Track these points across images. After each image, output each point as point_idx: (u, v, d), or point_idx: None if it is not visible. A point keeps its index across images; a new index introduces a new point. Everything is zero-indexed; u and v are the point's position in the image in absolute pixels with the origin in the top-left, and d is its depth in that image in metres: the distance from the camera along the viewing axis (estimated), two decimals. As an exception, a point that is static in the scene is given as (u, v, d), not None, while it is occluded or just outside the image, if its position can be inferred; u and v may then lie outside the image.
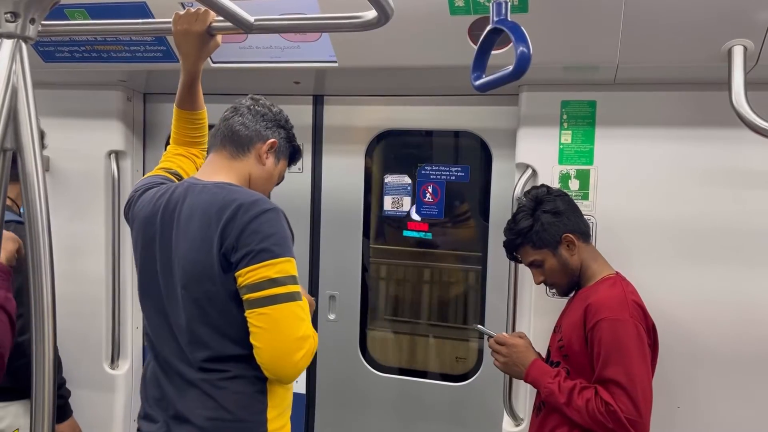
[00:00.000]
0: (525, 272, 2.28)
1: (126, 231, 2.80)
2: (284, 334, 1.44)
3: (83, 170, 2.77)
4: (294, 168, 2.73)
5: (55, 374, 1.00)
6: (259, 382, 1.55)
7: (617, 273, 1.94)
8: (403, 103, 2.62)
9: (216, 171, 1.64)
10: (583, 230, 1.96)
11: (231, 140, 1.65)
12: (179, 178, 1.80)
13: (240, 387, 1.53)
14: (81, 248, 2.69)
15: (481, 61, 1.27)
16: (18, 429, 2.22)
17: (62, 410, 2.32)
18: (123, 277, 2.79)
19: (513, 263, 2.27)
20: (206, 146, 1.90)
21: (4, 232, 2.08)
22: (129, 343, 2.85)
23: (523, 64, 1.09)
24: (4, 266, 1.76)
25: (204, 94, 1.81)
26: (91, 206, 2.76)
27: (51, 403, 0.99)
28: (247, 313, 1.46)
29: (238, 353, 1.52)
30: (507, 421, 2.35)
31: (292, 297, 1.46)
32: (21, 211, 2.39)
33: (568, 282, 1.96)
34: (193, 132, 1.88)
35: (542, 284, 2.03)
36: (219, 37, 1.71)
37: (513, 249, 2.01)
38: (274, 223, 1.48)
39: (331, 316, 2.76)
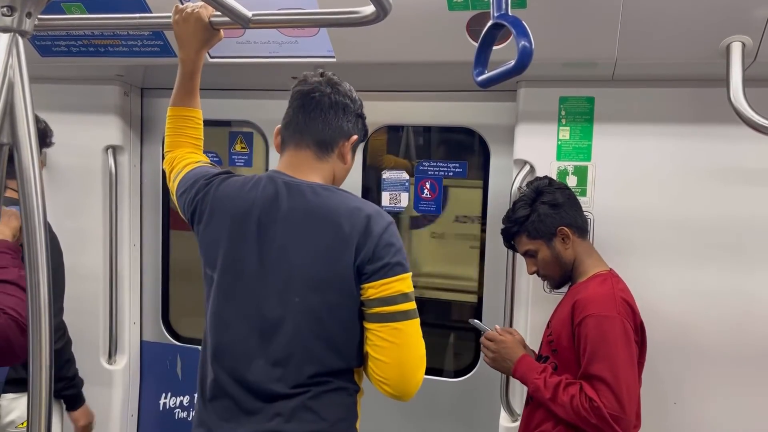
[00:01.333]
0: (522, 269, 2.28)
1: (123, 225, 2.81)
2: (414, 349, 1.41)
3: (80, 165, 2.76)
4: None
5: (51, 369, 1.00)
6: (355, 394, 1.52)
7: (610, 270, 1.95)
8: (401, 99, 2.61)
9: (305, 170, 1.52)
10: (579, 225, 1.97)
11: (314, 139, 1.53)
12: None
13: (341, 399, 1.48)
14: (78, 243, 2.68)
15: (482, 57, 1.27)
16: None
17: (76, 398, 2.35)
18: (120, 273, 2.79)
19: (510, 260, 2.28)
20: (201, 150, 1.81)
21: (5, 208, 2.08)
22: (126, 339, 2.85)
23: (525, 58, 1.09)
24: (13, 243, 1.75)
25: (201, 89, 1.80)
26: (88, 201, 2.76)
27: (47, 398, 0.99)
28: (375, 326, 1.40)
29: (343, 368, 1.47)
30: (503, 416, 2.36)
31: (417, 313, 1.43)
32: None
33: (560, 275, 1.98)
34: (195, 132, 1.78)
35: (535, 275, 2.04)
36: (222, 31, 1.70)
37: (509, 237, 2.03)
38: (398, 235, 1.45)
39: None
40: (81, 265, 2.72)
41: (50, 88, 2.73)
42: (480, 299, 2.60)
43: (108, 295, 2.75)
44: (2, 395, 2.20)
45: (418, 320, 1.42)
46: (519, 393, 2.32)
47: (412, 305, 1.41)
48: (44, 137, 2.33)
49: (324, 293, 1.41)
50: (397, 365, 1.39)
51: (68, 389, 2.30)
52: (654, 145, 2.15)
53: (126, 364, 2.85)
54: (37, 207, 1.01)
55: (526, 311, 2.30)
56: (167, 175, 1.77)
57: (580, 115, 2.21)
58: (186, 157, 1.74)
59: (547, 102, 2.24)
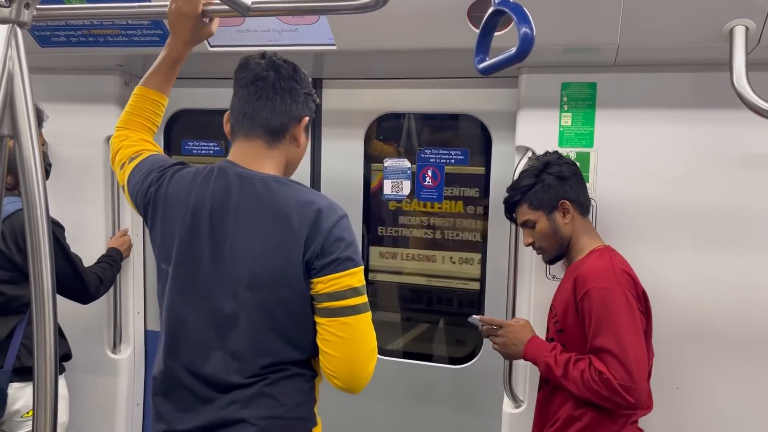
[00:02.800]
0: (525, 257, 2.29)
1: (125, 215, 2.81)
2: (361, 344, 1.42)
3: (81, 156, 2.76)
4: None
5: (56, 359, 1.01)
6: (312, 379, 1.54)
7: (607, 245, 1.96)
8: (402, 86, 2.60)
9: (258, 160, 1.51)
10: (582, 202, 1.98)
11: (264, 128, 1.50)
12: None
13: (298, 384, 1.49)
14: (80, 233, 2.68)
15: (484, 44, 1.26)
16: (32, 411, 2.24)
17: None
18: (123, 263, 2.79)
19: (513, 245, 2.28)
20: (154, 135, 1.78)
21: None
22: (131, 328, 2.86)
23: (526, 45, 1.08)
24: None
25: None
26: (89, 191, 2.76)
27: (53, 388, 1.00)
28: (324, 320, 1.42)
29: (299, 358, 1.48)
30: (507, 403, 2.37)
31: (368, 307, 1.44)
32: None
33: (556, 249, 1.99)
34: (155, 117, 1.74)
35: (530, 247, 2.05)
36: (214, 26, 1.66)
37: (511, 206, 2.03)
38: (350, 230, 1.46)
39: None
40: (83, 255, 2.72)
41: (50, 78, 2.73)
42: (483, 285, 2.61)
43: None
44: (9, 384, 2.22)
45: (368, 314, 1.43)
46: (522, 379, 2.33)
47: (362, 299, 1.42)
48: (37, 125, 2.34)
49: (274, 288, 1.42)
50: (346, 359, 1.41)
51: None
52: (657, 131, 2.14)
53: (131, 354, 2.86)
54: (39, 198, 1.01)
55: (529, 296, 2.30)
56: (112, 153, 1.73)
57: (582, 101, 2.20)
58: (138, 143, 1.70)
59: (549, 88, 2.23)
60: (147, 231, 2.88)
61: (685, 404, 2.16)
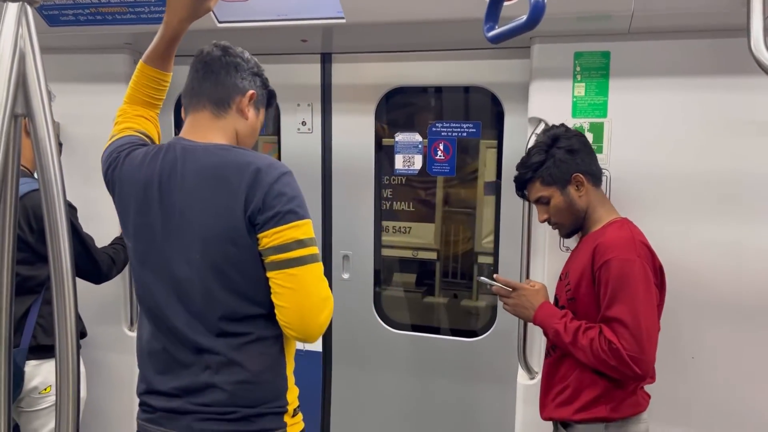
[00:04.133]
0: (538, 229, 2.28)
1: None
2: (310, 294, 1.47)
3: (93, 135, 2.74)
4: (303, 128, 2.73)
5: (77, 336, 1.02)
6: (279, 342, 1.57)
7: (625, 218, 1.94)
8: (412, 59, 2.57)
9: (204, 131, 1.58)
10: (594, 173, 1.96)
11: (209, 99, 1.59)
12: (149, 139, 1.75)
13: (263, 348, 1.55)
14: (95, 213, 2.70)
15: (493, 12, 1.24)
16: (50, 387, 2.29)
17: None
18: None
19: (527, 216, 2.27)
20: (159, 109, 1.84)
21: None
22: (147, 306, 2.90)
23: (536, 13, 1.06)
24: None
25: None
26: (100, 171, 2.76)
27: (75, 365, 1.01)
28: (273, 274, 1.47)
29: (256, 313, 1.53)
30: (521, 374, 2.38)
31: (315, 258, 1.49)
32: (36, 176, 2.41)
33: (572, 223, 1.97)
34: (156, 93, 1.79)
35: (546, 223, 2.03)
36: (213, 2, 1.65)
37: (523, 184, 2.01)
38: (294, 185, 1.50)
39: (345, 276, 2.78)
40: (98, 234, 2.74)
41: (59, 58, 2.72)
42: (496, 257, 2.61)
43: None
44: (26, 362, 2.26)
45: (316, 265, 1.48)
46: (537, 351, 2.34)
47: (308, 251, 1.46)
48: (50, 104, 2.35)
49: (222, 248, 1.47)
50: (296, 309, 1.47)
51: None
52: (672, 99, 2.10)
53: (147, 331, 2.90)
54: (55, 177, 1.01)
55: (543, 266, 2.30)
56: (115, 121, 1.81)
57: (595, 71, 2.17)
58: (130, 119, 1.77)
59: (561, 58, 2.20)
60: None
61: (701, 373, 2.16)
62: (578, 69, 2.19)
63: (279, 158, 2.80)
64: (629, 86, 2.14)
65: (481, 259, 2.88)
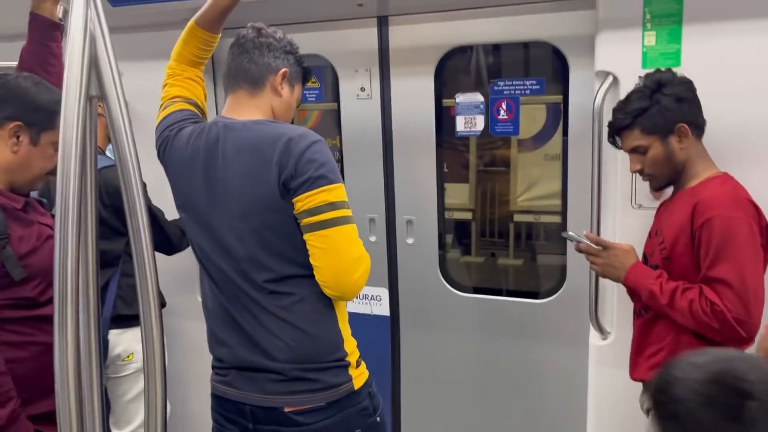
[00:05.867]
0: (608, 187, 2.20)
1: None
2: (343, 253, 1.56)
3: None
4: (362, 94, 2.72)
5: (159, 303, 1.06)
6: (324, 298, 1.64)
7: (725, 172, 1.83)
8: (470, 17, 2.49)
9: (242, 110, 1.70)
10: (699, 124, 1.83)
11: (245, 79, 1.70)
12: (197, 108, 1.87)
13: (309, 306, 1.63)
14: (164, 187, 2.79)
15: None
16: (132, 354, 2.41)
17: None
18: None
19: (596, 175, 2.18)
20: (203, 66, 1.94)
21: None
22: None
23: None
24: None
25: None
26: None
27: (159, 330, 1.05)
28: (308, 236, 1.56)
29: (299, 273, 1.61)
30: (593, 335, 2.34)
31: (348, 220, 1.57)
32: (108, 153, 2.51)
33: (668, 175, 1.86)
34: (203, 53, 1.88)
35: (637, 174, 1.92)
36: None
37: (618, 130, 1.88)
38: (325, 152, 1.58)
39: (410, 241, 2.78)
40: (167, 208, 2.84)
41: (122, 38, 2.78)
42: (564, 218, 2.55)
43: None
44: (109, 331, 2.38)
45: (348, 226, 1.57)
46: (609, 311, 2.29)
47: (340, 212, 1.55)
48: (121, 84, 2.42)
49: (261, 214, 1.58)
50: (330, 269, 1.56)
51: None
52: (752, 44, 1.96)
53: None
54: (130, 154, 1.05)
55: (614, 227, 2.22)
56: (162, 86, 1.92)
57: (667, 17, 2.04)
58: (181, 82, 1.88)
59: (629, 5, 2.08)
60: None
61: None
62: (648, 16, 2.07)
63: (339, 126, 2.80)
64: (705, 32, 2.00)
65: (518, 218, 2.85)
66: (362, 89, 2.71)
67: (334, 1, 2.39)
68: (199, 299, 2.93)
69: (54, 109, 1.86)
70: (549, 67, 2.55)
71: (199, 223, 1.69)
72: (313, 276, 1.60)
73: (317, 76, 2.87)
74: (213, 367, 1.79)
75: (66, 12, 2.13)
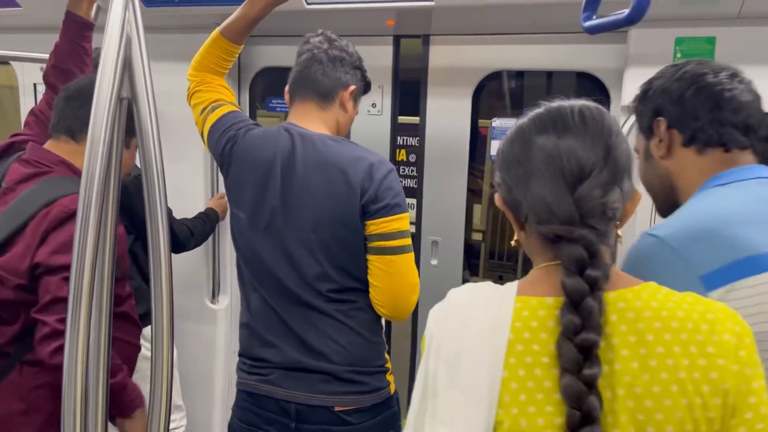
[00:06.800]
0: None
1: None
2: (405, 278, 1.65)
3: (183, 114, 2.83)
4: (373, 110, 2.71)
5: (171, 306, 1.06)
6: (374, 311, 1.72)
7: None
8: (511, 42, 2.46)
9: (311, 121, 1.73)
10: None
11: (316, 92, 1.73)
12: None
13: (366, 315, 1.71)
14: (182, 189, 2.80)
15: (593, 1, 1.18)
16: None
17: None
18: (221, 216, 2.90)
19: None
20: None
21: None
22: (228, 280, 2.98)
23: (640, 9, 1.00)
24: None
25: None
26: (192, 148, 2.85)
27: (169, 332, 1.05)
28: (374, 257, 1.64)
29: (357, 287, 1.69)
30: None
31: (411, 248, 1.67)
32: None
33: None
34: (225, 63, 1.88)
35: None
36: None
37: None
38: (398, 180, 1.67)
39: (434, 262, 2.76)
40: (185, 210, 2.84)
41: (154, 38, 2.80)
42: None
43: (211, 237, 2.86)
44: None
45: (411, 255, 1.66)
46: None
47: (406, 241, 1.64)
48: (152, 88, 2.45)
49: (334, 229, 1.64)
50: (389, 290, 1.65)
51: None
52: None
53: (228, 304, 2.99)
54: (155, 156, 1.05)
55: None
56: (189, 91, 1.91)
57: (698, 58, 2.03)
58: (216, 88, 1.87)
59: (661, 43, 2.08)
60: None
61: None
62: (679, 56, 2.06)
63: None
64: (736, 75, 2.00)
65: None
66: (373, 105, 2.72)
67: (366, 17, 2.39)
68: (207, 303, 2.96)
69: None
70: (589, 96, 2.53)
71: (259, 226, 1.70)
72: (366, 290, 1.68)
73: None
74: (250, 367, 1.78)
75: (99, 9, 2.17)
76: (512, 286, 0.96)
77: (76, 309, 0.94)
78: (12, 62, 3.23)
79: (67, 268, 1.50)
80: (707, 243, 1.09)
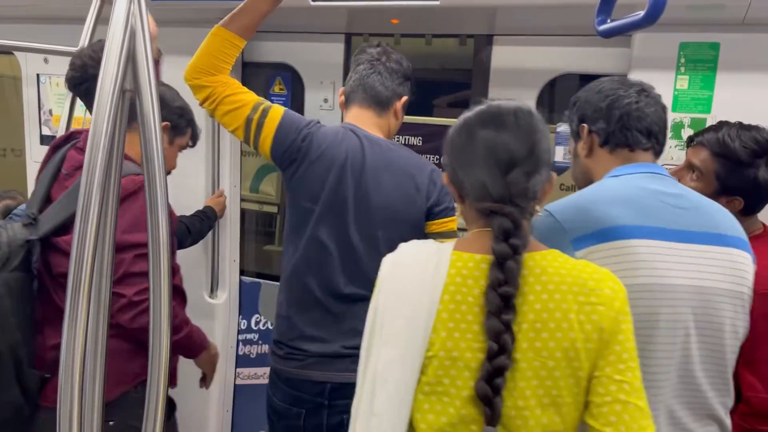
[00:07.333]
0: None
1: (224, 167, 2.89)
2: None
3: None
4: (325, 105, 2.72)
5: (170, 305, 1.06)
6: None
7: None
8: (578, 45, 2.35)
9: (369, 126, 1.87)
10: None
11: (374, 100, 1.87)
12: None
13: None
14: (183, 184, 2.79)
15: (607, 4, 1.18)
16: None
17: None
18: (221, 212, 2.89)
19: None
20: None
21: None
22: (227, 275, 2.98)
23: (656, 10, 1.00)
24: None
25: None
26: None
27: (167, 335, 1.05)
28: None
29: None
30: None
31: None
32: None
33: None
34: (230, 59, 1.85)
35: None
36: None
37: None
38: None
39: None
40: (186, 205, 2.84)
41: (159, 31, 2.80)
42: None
43: (210, 232, 2.86)
44: None
45: None
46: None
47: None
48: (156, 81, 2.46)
49: (400, 227, 1.77)
50: None
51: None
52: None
53: (226, 299, 2.99)
54: (157, 150, 1.04)
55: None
56: (217, 95, 1.82)
57: (702, 63, 2.04)
58: (242, 89, 1.85)
59: (664, 48, 2.08)
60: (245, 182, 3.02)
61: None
62: (683, 60, 2.06)
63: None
64: (739, 81, 2.00)
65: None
66: (325, 100, 2.73)
67: (369, 15, 2.38)
68: (206, 297, 2.95)
69: (190, 117, 2.16)
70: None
71: (327, 220, 1.80)
72: None
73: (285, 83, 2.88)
74: (286, 353, 1.86)
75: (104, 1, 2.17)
76: (450, 244, 1.20)
77: (75, 300, 0.94)
78: (15, 52, 3.22)
79: (136, 246, 1.68)
80: (580, 215, 1.37)
